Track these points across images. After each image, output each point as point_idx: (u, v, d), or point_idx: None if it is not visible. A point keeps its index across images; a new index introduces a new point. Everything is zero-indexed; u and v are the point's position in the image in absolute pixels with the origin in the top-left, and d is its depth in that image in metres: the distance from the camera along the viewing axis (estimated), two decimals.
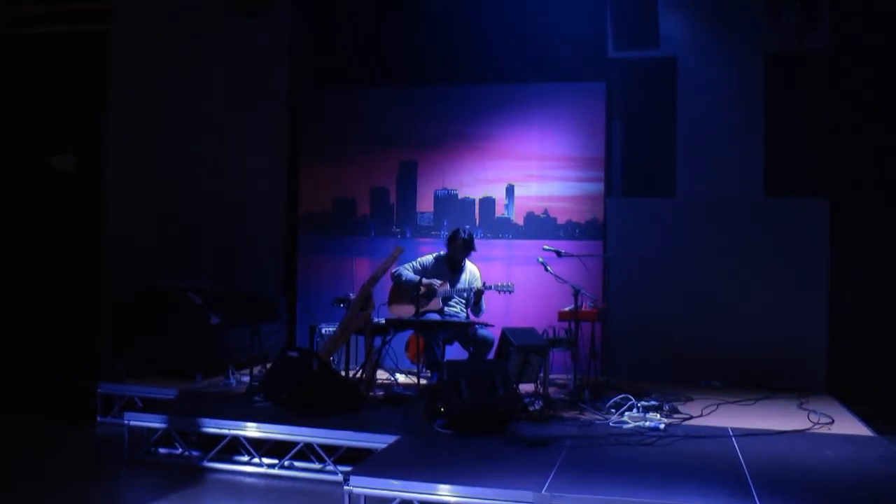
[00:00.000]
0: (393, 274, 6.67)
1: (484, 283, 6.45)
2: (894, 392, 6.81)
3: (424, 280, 6.53)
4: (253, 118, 8.48)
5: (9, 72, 9.04)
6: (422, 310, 6.48)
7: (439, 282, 6.56)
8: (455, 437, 5.02)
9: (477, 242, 6.76)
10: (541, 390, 6.05)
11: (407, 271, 6.67)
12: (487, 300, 6.65)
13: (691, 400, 6.27)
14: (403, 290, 6.65)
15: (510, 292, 6.39)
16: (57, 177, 8.85)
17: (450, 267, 6.67)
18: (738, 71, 7.55)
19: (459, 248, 6.57)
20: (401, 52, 8.37)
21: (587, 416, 5.62)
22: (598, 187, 7.83)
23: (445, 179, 8.17)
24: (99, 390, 6.54)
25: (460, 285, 6.64)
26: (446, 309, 6.66)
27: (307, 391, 5.56)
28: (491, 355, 6.33)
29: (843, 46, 7.33)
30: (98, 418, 6.49)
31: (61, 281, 8.77)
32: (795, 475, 4.34)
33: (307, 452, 5.19)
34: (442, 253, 6.72)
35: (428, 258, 6.76)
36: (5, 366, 7.93)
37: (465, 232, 6.56)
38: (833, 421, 5.59)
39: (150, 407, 6.06)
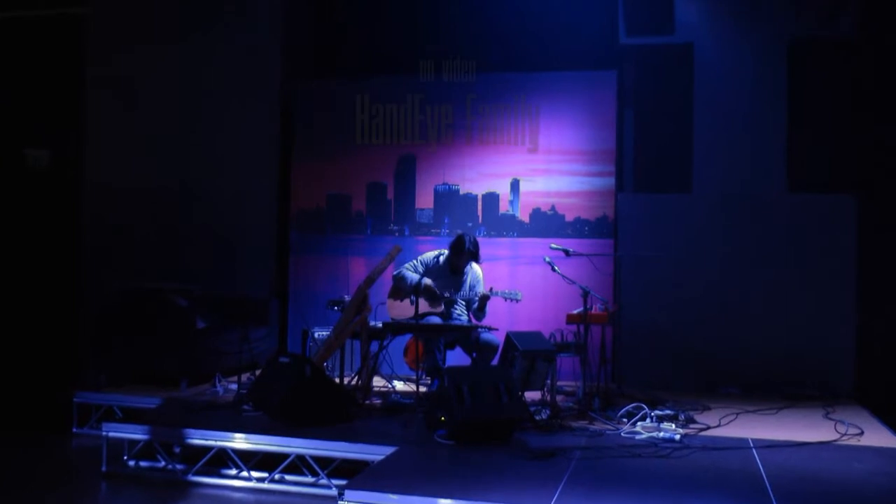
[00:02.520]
0: (394, 276, 6.65)
1: (491, 289, 6.43)
2: None
3: (426, 281, 6.50)
4: (242, 110, 8.46)
5: None
6: (424, 312, 6.46)
7: (445, 293, 6.54)
8: (457, 449, 5.00)
9: (480, 241, 6.73)
10: (548, 398, 6.03)
11: (409, 272, 6.64)
12: (491, 303, 6.61)
13: (709, 409, 6.24)
14: (403, 290, 6.62)
15: (517, 301, 6.37)
16: (32, 172, 8.82)
17: (451, 269, 6.64)
18: (758, 58, 7.51)
19: (463, 258, 6.55)
20: (399, 39, 8.35)
21: (597, 426, 5.60)
22: (609, 182, 7.80)
23: (446, 174, 8.15)
24: (75, 399, 6.50)
25: (464, 288, 6.60)
26: (452, 312, 6.62)
27: (299, 399, 5.54)
28: (495, 361, 6.30)
29: (873, 32, 7.28)
30: (74, 429, 6.46)
31: (37, 283, 8.73)
32: (821, 490, 4.31)
33: (299, 465, 5.17)
34: (445, 252, 6.69)
35: (429, 256, 6.73)
36: None
37: (469, 241, 6.51)
38: (862, 432, 5.55)
39: (130, 417, 6.04)
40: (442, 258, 6.68)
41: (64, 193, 8.80)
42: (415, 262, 6.74)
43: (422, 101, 8.15)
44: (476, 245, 6.56)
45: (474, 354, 6.52)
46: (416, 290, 6.37)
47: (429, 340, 6.42)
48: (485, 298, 6.46)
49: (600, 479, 4.39)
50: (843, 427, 5.62)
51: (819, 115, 7.41)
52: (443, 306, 6.58)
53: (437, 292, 6.50)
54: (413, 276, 6.58)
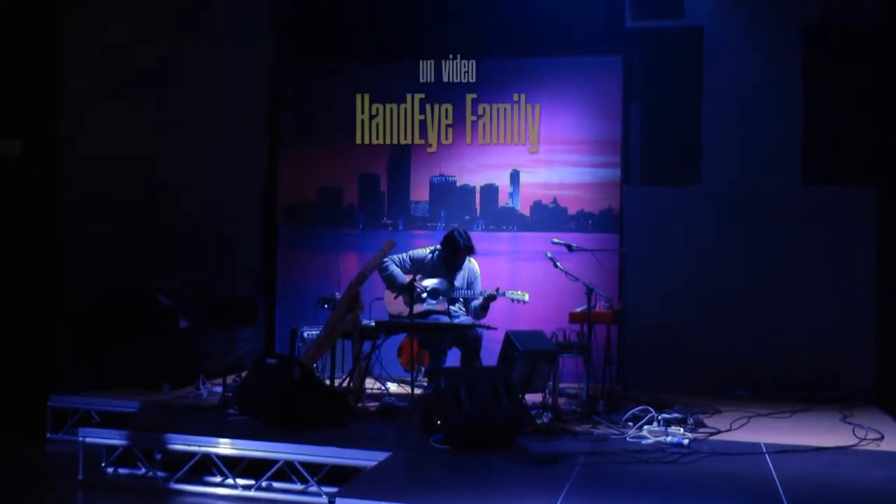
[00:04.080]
0: (380, 265, 6.59)
1: (497, 289, 6.40)
2: None
3: (416, 282, 6.47)
4: (228, 97, 8.42)
5: None
6: (425, 309, 6.44)
7: (427, 285, 6.51)
8: (454, 454, 4.98)
9: (478, 235, 6.74)
10: (550, 401, 6.02)
11: (395, 267, 6.59)
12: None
13: (719, 412, 6.24)
14: (394, 289, 6.60)
15: (525, 302, 6.36)
16: (3, 164, 8.76)
17: (446, 266, 6.61)
18: (772, 43, 7.53)
19: (460, 254, 6.51)
20: (394, 23, 8.30)
21: (601, 430, 5.59)
22: (614, 174, 7.79)
23: (442, 165, 8.13)
24: (49, 403, 6.46)
25: (459, 283, 6.58)
26: (451, 309, 6.60)
27: (287, 403, 5.52)
28: (487, 357, 6.29)
29: (894, 16, 7.25)
30: (48, 435, 6.42)
31: (11, 280, 8.68)
32: (838, 497, 4.30)
33: (288, 472, 5.14)
34: (439, 247, 6.66)
35: (422, 252, 6.69)
36: None
37: (461, 237, 6.45)
38: (882, 436, 5.55)
39: (108, 421, 5.98)
40: (437, 254, 6.65)
41: (39, 187, 8.74)
42: (402, 256, 6.68)
43: (417, 89, 8.09)
44: (467, 238, 6.49)
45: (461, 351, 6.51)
46: (408, 289, 6.34)
47: (433, 343, 6.41)
48: (490, 298, 6.43)
49: (605, 486, 4.37)
50: (862, 431, 5.61)
51: (836, 103, 7.40)
52: (445, 304, 6.56)
53: (417, 291, 6.45)
54: (401, 275, 6.54)
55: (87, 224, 8.50)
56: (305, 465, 5.07)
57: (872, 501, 4.26)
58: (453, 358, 6.69)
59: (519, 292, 6.37)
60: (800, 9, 7.45)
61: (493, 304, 6.56)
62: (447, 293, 6.56)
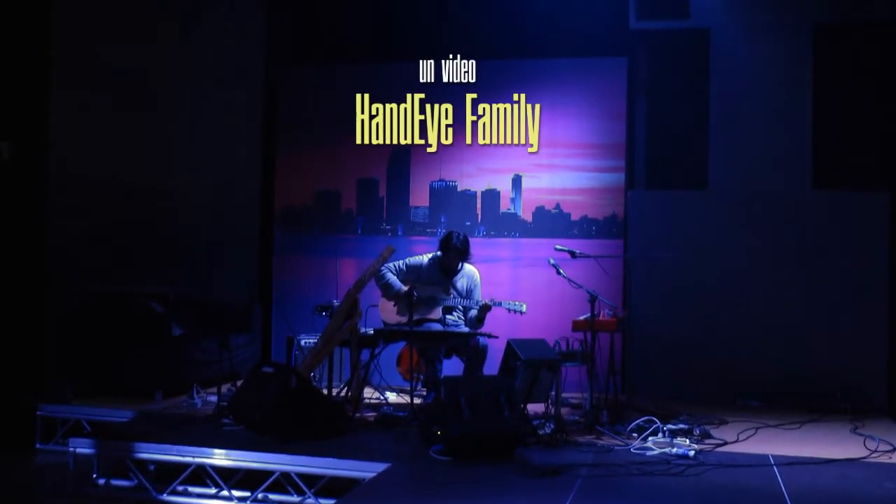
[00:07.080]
0: (377, 274, 6.59)
1: (492, 299, 6.41)
2: None
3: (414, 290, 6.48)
4: (222, 98, 8.43)
5: None
6: (420, 318, 6.44)
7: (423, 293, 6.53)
8: (454, 465, 4.99)
9: (479, 241, 6.73)
10: (552, 411, 6.02)
11: (392, 274, 6.59)
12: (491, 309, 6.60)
13: (726, 423, 6.25)
14: (390, 298, 6.60)
15: (522, 313, 6.36)
16: None
17: (443, 272, 6.62)
18: (782, 44, 7.52)
19: (452, 257, 6.51)
20: (394, 23, 8.33)
21: (605, 442, 5.60)
22: (619, 178, 7.81)
23: (443, 169, 8.14)
24: (39, 412, 6.47)
25: (458, 290, 6.58)
26: (447, 318, 6.61)
27: (284, 412, 5.53)
28: (488, 366, 6.28)
29: None
30: (37, 445, 6.43)
31: None
32: None
33: (284, 483, 5.15)
34: (438, 254, 6.67)
35: (420, 259, 6.70)
36: None
37: (458, 238, 6.45)
38: (894, 448, 5.54)
39: (99, 431, 6.00)
40: (434, 261, 6.65)
41: (28, 189, 8.75)
42: (398, 263, 6.68)
43: (416, 91, 8.11)
44: (464, 243, 6.47)
45: (464, 361, 6.51)
46: (408, 298, 6.34)
47: (428, 350, 6.41)
48: (486, 309, 6.42)
49: (608, 499, 4.38)
50: (874, 443, 5.60)
51: (848, 105, 7.41)
52: (440, 312, 6.57)
53: (418, 297, 6.45)
54: (398, 283, 6.54)
55: (79, 228, 8.51)
56: (302, 476, 5.08)
57: None
58: (455, 368, 6.70)
59: (516, 302, 6.35)
60: (810, 8, 7.46)
61: (492, 313, 6.56)
62: (443, 301, 6.56)
